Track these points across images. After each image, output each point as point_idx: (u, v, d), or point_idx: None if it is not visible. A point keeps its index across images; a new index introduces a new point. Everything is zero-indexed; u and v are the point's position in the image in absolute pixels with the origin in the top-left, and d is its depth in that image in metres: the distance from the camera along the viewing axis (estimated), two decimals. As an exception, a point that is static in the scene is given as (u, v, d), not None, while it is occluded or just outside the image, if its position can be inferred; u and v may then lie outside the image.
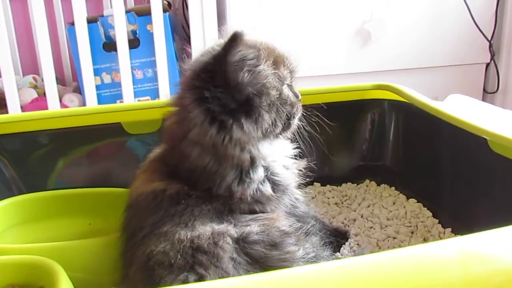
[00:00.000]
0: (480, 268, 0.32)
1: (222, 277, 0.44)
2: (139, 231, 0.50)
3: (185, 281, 0.43)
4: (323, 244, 0.55)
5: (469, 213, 0.66)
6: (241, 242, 0.47)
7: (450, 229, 0.67)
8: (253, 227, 0.48)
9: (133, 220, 0.53)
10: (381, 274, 0.32)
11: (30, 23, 1.48)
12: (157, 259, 0.45)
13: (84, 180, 0.73)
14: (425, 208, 0.73)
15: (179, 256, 0.44)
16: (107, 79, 1.29)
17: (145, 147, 0.62)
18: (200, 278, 0.43)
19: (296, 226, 0.52)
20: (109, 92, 1.30)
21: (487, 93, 1.47)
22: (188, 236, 0.46)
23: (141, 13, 1.27)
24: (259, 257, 0.46)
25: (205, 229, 0.47)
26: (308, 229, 0.53)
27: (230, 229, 0.48)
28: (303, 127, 0.57)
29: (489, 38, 1.39)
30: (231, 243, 0.46)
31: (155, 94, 1.30)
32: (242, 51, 0.49)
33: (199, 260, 0.44)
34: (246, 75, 0.49)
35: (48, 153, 0.72)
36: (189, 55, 0.56)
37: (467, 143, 0.66)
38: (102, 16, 1.29)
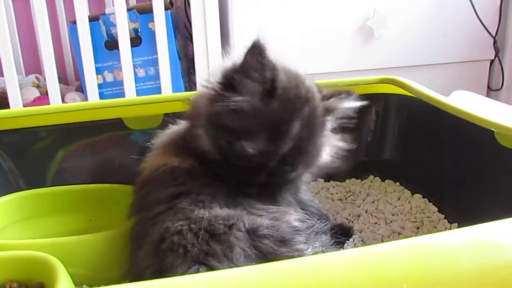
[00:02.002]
0: (493, 257, 0.31)
1: None
2: (155, 205, 0.49)
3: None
4: (332, 243, 0.54)
5: (475, 207, 0.65)
6: (251, 235, 0.46)
7: (456, 224, 0.66)
8: (264, 219, 0.48)
9: (149, 195, 0.52)
10: (392, 263, 0.31)
11: (32, 22, 1.48)
12: (172, 241, 0.44)
13: (85, 176, 0.72)
14: (431, 203, 0.71)
15: (195, 241, 0.43)
16: (109, 77, 1.29)
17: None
18: (211, 271, 0.42)
19: (308, 224, 0.51)
20: (111, 90, 1.30)
21: (492, 90, 1.46)
22: (206, 216, 0.45)
23: (143, 11, 1.27)
24: (267, 252, 0.45)
25: (221, 212, 0.47)
26: (319, 228, 0.52)
27: (243, 215, 0.47)
28: None
29: (494, 35, 1.38)
30: (243, 230, 0.45)
31: (157, 92, 1.29)
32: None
33: (214, 250, 0.43)
34: None
35: (48, 149, 0.71)
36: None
37: (473, 136, 0.64)
38: (104, 14, 1.29)
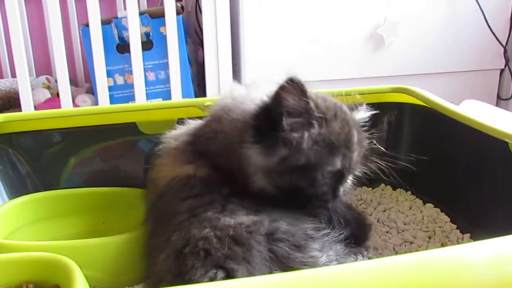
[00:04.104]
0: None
1: (250, 273, 0.43)
2: (175, 216, 0.49)
3: (213, 278, 0.42)
4: (347, 253, 0.54)
5: (488, 218, 0.65)
6: (268, 238, 0.46)
7: (468, 234, 0.66)
8: (281, 223, 0.48)
9: (166, 207, 0.52)
10: (412, 275, 0.31)
11: (44, 23, 1.50)
12: (196, 245, 0.45)
13: (99, 179, 0.73)
14: (443, 213, 0.71)
15: (219, 246, 0.44)
16: (119, 80, 1.30)
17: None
18: (229, 275, 0.43)
19: (322, 232, 0.51)
20: (121, 93, 1.31)
21: (501, 100, 1.46)
22: (232, 223, 0.46)
23: (155, 15, 1.28)
24: (282, 256, 0.46)
25: (246, 219, 0.47)
26: (334, 237, 0.52)
27: (264, 220, 0.48)
28: None
29: (504, 44, 1.38)
30: (263, 234, 0.46)
31: (167, 96, 1.30)
32: None
33: (235, 252, 0.44)
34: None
35: (63, 152, 0.72)
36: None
37: (486, 147, 0.64)
38: (116, 17, 1.30)
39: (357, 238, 0.63)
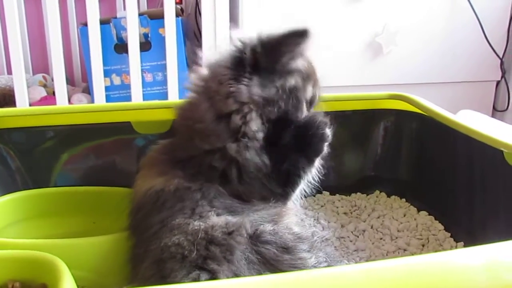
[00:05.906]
0: (509, 277, 0.31)
1: (235, 274, 0.42)
2: (148, 229, 0.49)
3: (196, 280, 0.41)
4: (338, 256, 0.54)
5: (482, 227, 0.65)
6: (254, 240, 0.46)
7: (462, 243, 0.66)
8: (266, 225, 0.48)
9: (142, 222, 0.52)
10: (404, 280, 0.30)
11: (42, 21, 1.49)
12: (171, 252, 0.44)
13: (91, 178, 0.72)
14: (437, 221, 0.71)
15: (192, 248, 0.44)
16: (116, 80, 1.30)
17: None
18: (212, 276, 0.42)
19: (310, 231, 0.51)
20: (118, 93, 1.30)
21: (497, 111, 1.46)
22: (202, 227, 0.45)
23: (154, 17, 1.28)
24: (270, 258, 0.45)
25: (218, 220, 0.47)
26: (323, 236, 0.52)
27: (246, 222, 0.47)
28: None
29: (501, 56, 1.38)
30: (245, 235, 0.45)
31: (164, 97, 1.29)
32: None
33: (213, 252, 0.43)
34: None
35: (55, 149, 0.71)
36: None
37: (482, 155, 0.64)
38: (115, 17, 1.29)
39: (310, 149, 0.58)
